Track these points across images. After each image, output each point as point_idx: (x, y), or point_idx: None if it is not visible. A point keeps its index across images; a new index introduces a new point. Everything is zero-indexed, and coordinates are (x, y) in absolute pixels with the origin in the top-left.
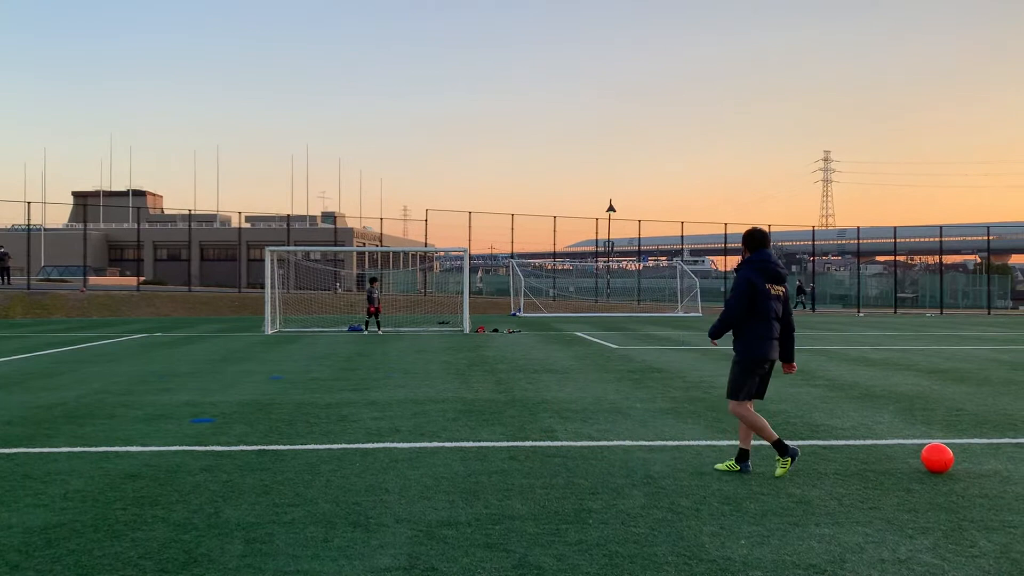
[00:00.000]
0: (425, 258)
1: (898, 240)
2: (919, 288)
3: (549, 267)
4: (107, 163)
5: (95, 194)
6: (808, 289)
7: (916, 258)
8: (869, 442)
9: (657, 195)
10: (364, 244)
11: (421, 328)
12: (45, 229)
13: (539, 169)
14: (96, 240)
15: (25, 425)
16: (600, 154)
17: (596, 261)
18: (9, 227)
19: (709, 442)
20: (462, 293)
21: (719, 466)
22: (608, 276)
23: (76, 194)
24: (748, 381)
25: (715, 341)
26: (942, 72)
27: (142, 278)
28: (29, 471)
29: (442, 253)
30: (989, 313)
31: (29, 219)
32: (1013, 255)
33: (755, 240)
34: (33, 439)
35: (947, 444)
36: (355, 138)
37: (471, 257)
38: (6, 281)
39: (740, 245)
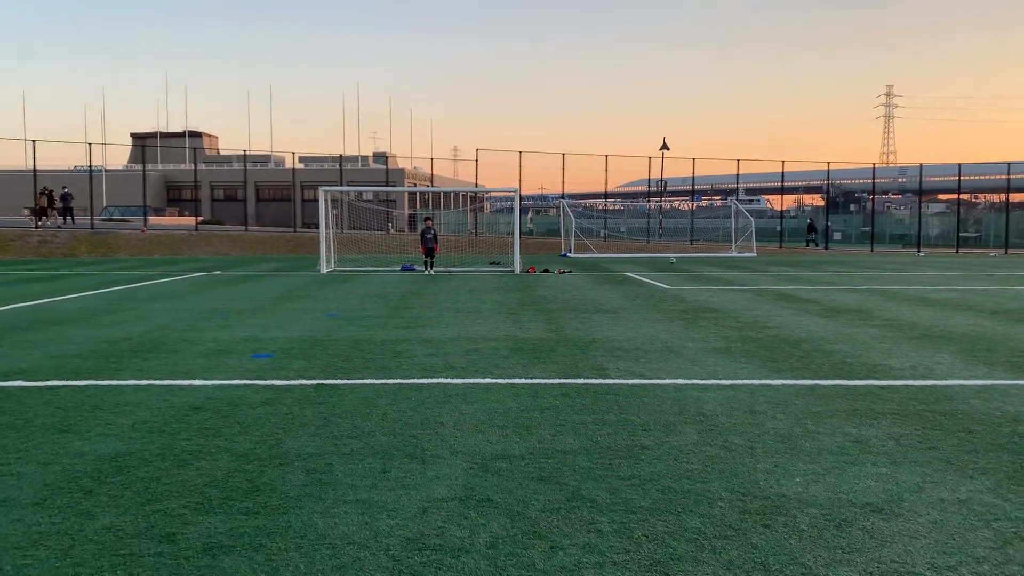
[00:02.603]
0: (476, 198)
1: (962, 178)
2: (983, 227)
3: (600, 207)
4: (163, 104)
5: (153, 135)
6: (820, 228)
7: (980, 196)
8: (928, 383)
9: (712, 133)
10: (415, 184)
11: (472, 268)
12: (106, 170)
13: (591, 108)
14: (155, 181)
15: (94, 359)
16: (654, 92)
17: (648, 201)
18: (72, 168)
19: (763, 381)
20: (512, 234)
21: None
22: (660, 216)
23: (134, 135)
24: None
25: None
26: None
27: (200, 218)
28: (98, 402)
29: (493, 194)
30: None
31: (91, 160)
32: None
33: None
34: (101, 372)
35: (1010, 386)
36: (405, 77)
37: (521, 198)
38: (71, 221)
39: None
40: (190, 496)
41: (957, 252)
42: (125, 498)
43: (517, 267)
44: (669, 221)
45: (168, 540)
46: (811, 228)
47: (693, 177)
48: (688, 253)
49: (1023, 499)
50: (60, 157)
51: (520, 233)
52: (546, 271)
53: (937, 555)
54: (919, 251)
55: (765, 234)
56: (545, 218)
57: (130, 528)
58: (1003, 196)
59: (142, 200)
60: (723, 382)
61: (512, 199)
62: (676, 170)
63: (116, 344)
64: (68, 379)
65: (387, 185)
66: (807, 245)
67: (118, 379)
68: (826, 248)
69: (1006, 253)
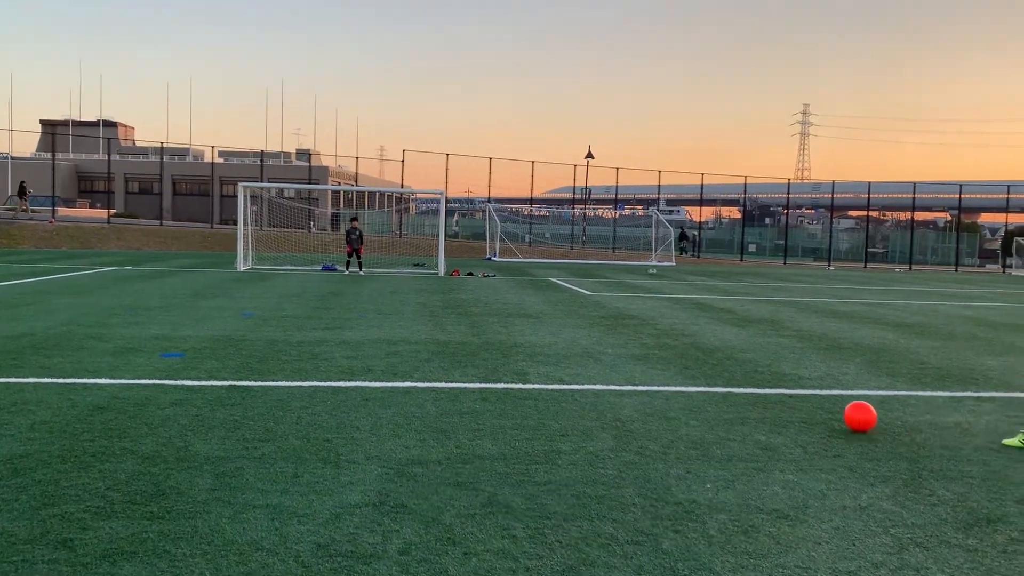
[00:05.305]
0: (401, 199)
1: (872, 196)
2: (889, 244)
3: (526, 212)
4: (76, 92)
5: (64, 123)
6: (692, 236)
7: (888, 214)
8: (835, 392)
9: (636, 144)
10: (339, 183)
11: (396, 269)
12: (12, 157)
13: (519, 113)
14: (65, 171)
15: None
16: (580, 100)
17: (573, 208)
18: None
19: (678, 388)
20: (438, 236)
21: (1008, 441)
22: (584, 223)
23: (44, 123)
24: None
25: None
26: (923, 29)
27: (113, 211)
28: None
29: (419, 195)
30: (957, 270)
31: None
32: (983, 213)
33: None
34: None
35: (910, 396)
36: (331, 75)
37: (448, 200)
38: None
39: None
40: (90, 500)
41: (865, 267)
42: (20, 502)
43: (441, 269)
44: (593, 228)
45: (65, 546)
46: (683, 236)
47: (616, 186)
48: (610, 260)
49: (919, 506)
50: None
51: (445, 236)
52: (470, 274)
53: (838, 560)
54: (830, 265)
55: None
56: (471, 221)
57: (24, 533)
58: (909, 214)
59: (50, 190)
60: (640, 388)
61: (438, 201)
62: (600, 179)
63: (16, 340)
64: None
65: (310, 183)
66: (681, 253)
67: (17, 376)
68: (696, 256)
69: (910, 269)
